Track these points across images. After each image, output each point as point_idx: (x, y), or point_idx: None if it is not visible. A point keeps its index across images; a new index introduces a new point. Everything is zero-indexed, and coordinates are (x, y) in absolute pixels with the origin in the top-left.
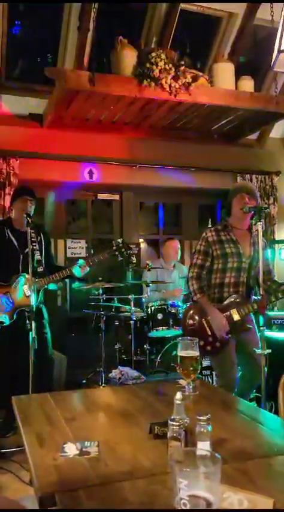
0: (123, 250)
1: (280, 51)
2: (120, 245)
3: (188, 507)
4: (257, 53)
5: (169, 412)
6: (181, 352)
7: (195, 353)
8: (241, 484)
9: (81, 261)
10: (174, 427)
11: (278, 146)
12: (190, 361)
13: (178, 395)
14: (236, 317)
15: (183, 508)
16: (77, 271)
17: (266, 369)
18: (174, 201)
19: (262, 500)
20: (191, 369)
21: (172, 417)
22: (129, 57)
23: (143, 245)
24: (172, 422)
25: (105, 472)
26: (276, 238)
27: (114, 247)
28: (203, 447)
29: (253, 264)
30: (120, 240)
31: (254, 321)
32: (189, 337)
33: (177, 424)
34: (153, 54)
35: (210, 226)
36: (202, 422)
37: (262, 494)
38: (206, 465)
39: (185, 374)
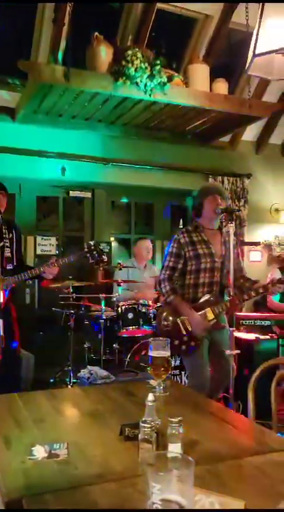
0: (95, 253)
1: (255, 55)
2: (92, 247)
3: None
4: (231, 56)
5: (140, 413)
6: (152, 353)
7: (166, 353)
8: (213, 486)
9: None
10: (146, 429)
11: (250, 149)
12: (162, 362)
13: (150, 396)
14: (210, 316)
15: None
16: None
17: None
18: (146, 200)
19: (233, 503)
20: (162, 369)
21: (143, 419)
22: (104, 54)
23: (114, 244)
24: (143, 425)
25: (74, 475)
26: (246, 240)
27: (86, 249)
28: (174, 449)
29: (225, 263)
30: (92, 242)
31: (226, 322)
32: (160, 338)
33: (149, 426)
34: (129, 52)
35: (181, 227)
36: (173, 424)
37: (234, 496)
38: (179, 468)
39: (156, 374)
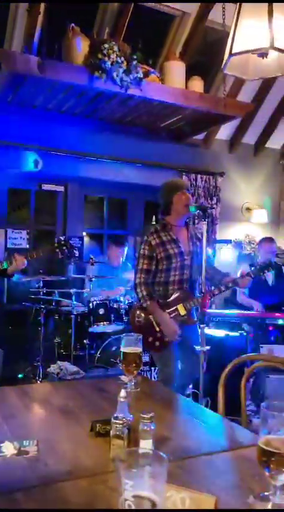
0: (65, 248)
1: (231, 54)
2: (63, 242)
3: (132, 508)
4: (207, 54)
5: (111, 410)
6: (124, 348)
7: (138, 349)
8: (184, 482)
9: (5, 264)
10: (117, 426)
11: (223, 148)
12: (133, 358)
13: (122, 392)
14: (182, 312)
15: (128, 508)
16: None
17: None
18: (120, 196)
19: (204, 499)
20: (134, 365)
21: (115, 415)
22: (80, 46)
23: (87, 239)
24: (115, 421)
25: (44, 472)
26: (217, 238)
27: (56, 245)
28: (146, 446)
29: (193, 259)
30: (62, 238)
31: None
32: (132, 334)
33: (120, 422)
34: (106, 45)
35: (154, 223)
36: (145, 421)
37: (205, 492)
38: (152, 465)
39: (127, 370)
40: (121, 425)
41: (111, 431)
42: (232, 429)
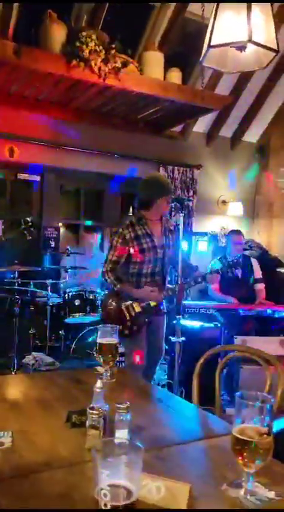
0: (33, 229)
1: (209, 46)
2: (30, 224)
3: (108, 497)
4: (186, 46)
5: (87, 400)
6: (100, 340)
7: (114, 340)
8: (159, 471)
9: None
10: (93, 416)
11: (201, 141)
12: (109, 349)
13: (98, 383)
14: (152, 303)
15: (103, 498)
16: None
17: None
18: (97, 186)
19: (178, 486)
20: (110, 356)
21: (91, 405)
22: (58, 33)
23: (63, 229)
24: (91, 411)
25: (19, 463)
26: (193, 231)
27: (23, 226)
28: (122, 435)
29: (166, 253)
30: (29, 219)
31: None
32: (109, 325)
33: (96, 412)
34: (84, 33)
35: (131, 214)
36: (121, 411)
37: (180, 480)
38: (127, 454)
39: (103, 361)
40: (97, 416)
41: (86, 422)
42: (206, 419)
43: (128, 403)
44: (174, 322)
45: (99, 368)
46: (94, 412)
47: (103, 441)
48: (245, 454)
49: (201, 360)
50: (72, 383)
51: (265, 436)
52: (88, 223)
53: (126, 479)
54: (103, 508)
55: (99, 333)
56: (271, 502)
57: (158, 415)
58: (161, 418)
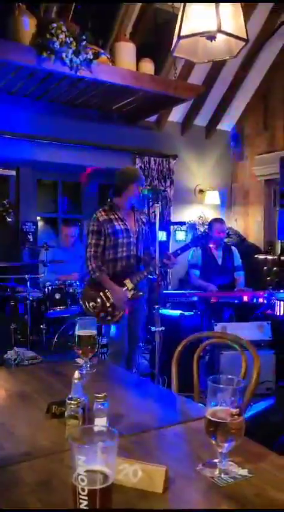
0: (10, 210)
1: (179, 37)
2: (7, 206)
3: (85, 482)
4: (158, 36)
5: (67, 392)
6: (79, 332)
7: (93, 332)
8: (138, 455)
9: None
10: (72, 406)
11: (176, 130)
12: (88, 340)
13: (76, 374)
14: (130, 286)
15: (81, 483)
16: None
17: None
18: (74, 179)
19: (155, 469)
20: (89, 347)
21: (69, 396)
22: (28, 25)
23: (41, 223)
24: (70, 401)
25: (1, 455)
26: (172, 220)
27: (1, 209)
28: (100, 423)
29: (139, 239)
30: (5, 201)
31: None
32: (87, 316)
33: (75, 402)
34: (54, 25)
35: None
36: (99, 400)
37: (158, 463)
38: (103, 440)
39: (83, 353)
40: (75, 406)
41: (66, 412)
42: (183, 404)
43: (106, 392)
44: (154, 311)
45: (79, 360)
46: (72, 402)
47: (80, 429)
48: (217, 434)
49: (179, 348)
50: (52, 376)
51: (236, 416)
52: (66, 216)
53: (103, 465)
54: (81, 492)
55: (77, 325)
56: (243, 479)
57: (137, 403)
58: (140, 406)
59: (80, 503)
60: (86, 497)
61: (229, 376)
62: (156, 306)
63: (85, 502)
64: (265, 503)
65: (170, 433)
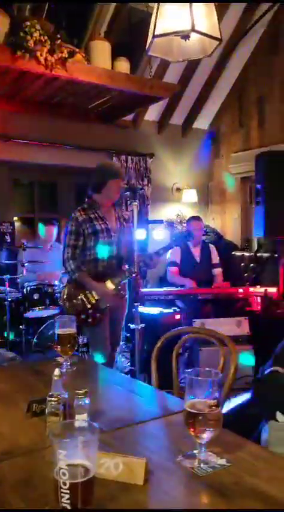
0: None
1: (154, 36)
2: None
3: (67, 476)
4: (133, 35)
5: (48, 391)
6: (58, 330)
7: (72, 330)
8: (118, 450)
9: None
10: (52, 403)
11: (152, 129)
12: (68, 339)
13: (56, 371)
14: (111, 286)
15: (62, 477)
16: None
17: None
18: (50, 179)
19: (135, 461)
20: (68, 346)
21: (50, 393)
22: (0, 24)
23: (18, 224)
24: (50, 398)
25: None
26: (150, 219)
27: None
28: (81, 419)
29: (120, 238)
30: None
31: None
32: (66, 315)
33: (55, 399)
34: (27, 23)
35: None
36: (79, 396)
37: (138, 456)
38: (84, 435)
39: (63, 351)
40: (56, 403)
41: (46, 409)
42: (163, 398)
43: (86, 389)
44: (133, 310)
45: (59, 358)
46: (53, 399)
47: (61, 424)
48: (196, 425)
49: (158, 344)
50: (32, 374)
51: (214, 407)
52: (43, 216)
53: (84, 458)
54: (62, 486)
55: (56, 324)
56: (222, 468)
57: (117, 399)
58: (120, 401)
59: (62, 497)
60: (68, 491)
61: (207, 369)
62: (135, 304)
63: (67, 496)
64: (243, 490)
65: (150, 428)
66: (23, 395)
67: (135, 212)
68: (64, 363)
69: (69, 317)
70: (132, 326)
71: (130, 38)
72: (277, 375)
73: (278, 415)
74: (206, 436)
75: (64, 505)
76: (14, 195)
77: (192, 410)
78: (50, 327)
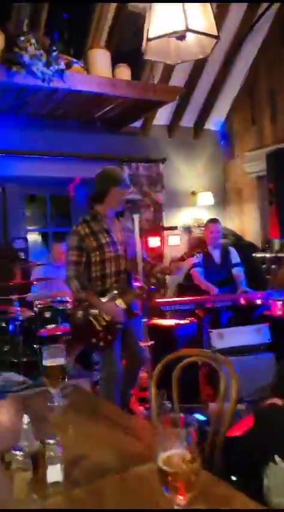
0: None
1: (148, 39)
2: None
3: None
4: (135, 41)
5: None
6: (46, 362)
7: (61, 361)
8: (93, 506)
9: None
10: (18, 457)
11: (163, 133)
12: (56, 371)
13: (25, 418)
14: (122, 305)
15: None
16: None
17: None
18: (62, 191)
19: None
20: (58, 379)
21: (17, 445)
22: None
23: (33, 238)
24: (15, 452)
25: None
26: (165, 225)
27: None
28: (53, 471)
29: (127, 250)
30: None
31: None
32: (55, 345)
33: (21, 453)
34: (22, 38)
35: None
36: (50, 446)
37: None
38: None
39: (52, 384)
40: (22, 457)
41: (12, 465)
42: (153, 435)
43: (58, 438)
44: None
45: (52, 389)
46: (17, 453)
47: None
48: (170, 486)
49: (156, 371)
50: (21, 411)
51: (191, 462)
52: (57, 229)
53: None
54: None
55: (44, 354)
56: None
57: (103, 438)
58: (105, 442)
59: None
60: None
61: (182, 415)
62: (143, 320)
63: None
64: None
65: (131, 477)
66: (5, 441)
67: (136, 224)
68: (55, 396)
69: (57, 346)
70: (140, 342)
71: (133, 44)
72: (275, 408)
73: (277, 458)
74: (182, 497)
75: None
76: (26, 210)
77: (165, 468)
78: (64, 344)
